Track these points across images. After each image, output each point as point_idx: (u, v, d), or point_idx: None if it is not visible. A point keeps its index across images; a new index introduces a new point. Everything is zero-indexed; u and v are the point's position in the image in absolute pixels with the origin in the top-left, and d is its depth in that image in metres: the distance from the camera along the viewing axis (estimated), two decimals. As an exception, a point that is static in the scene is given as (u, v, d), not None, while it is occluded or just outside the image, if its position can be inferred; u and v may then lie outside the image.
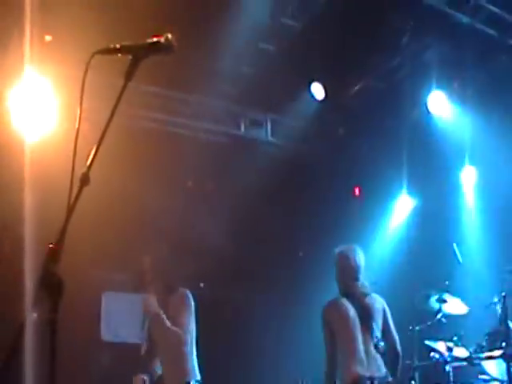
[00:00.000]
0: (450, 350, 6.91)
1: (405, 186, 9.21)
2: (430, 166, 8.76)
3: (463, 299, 7.24)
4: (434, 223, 8.80)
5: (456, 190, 8.89)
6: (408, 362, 7.17)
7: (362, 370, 6.00)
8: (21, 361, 6.26)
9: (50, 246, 2.46)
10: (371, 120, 8.66)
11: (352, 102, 8.70)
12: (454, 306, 7.23)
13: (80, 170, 2.52)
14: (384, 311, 6.29)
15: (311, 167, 8.66)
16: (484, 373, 6.91)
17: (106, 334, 7.81)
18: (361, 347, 6.09)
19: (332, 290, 8.30)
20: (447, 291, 7.21)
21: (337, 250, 6.32)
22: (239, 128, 8.55)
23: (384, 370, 6.09)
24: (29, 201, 6.52)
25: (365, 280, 6.30)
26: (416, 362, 7.20)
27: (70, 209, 2.52)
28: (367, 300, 6.21)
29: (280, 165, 8.31)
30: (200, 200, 8.23)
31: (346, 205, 8.91)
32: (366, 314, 6.17)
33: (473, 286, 7.65)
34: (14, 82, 6.65)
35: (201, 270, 8.63)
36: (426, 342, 7.15)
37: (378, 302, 6.29)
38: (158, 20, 5.87)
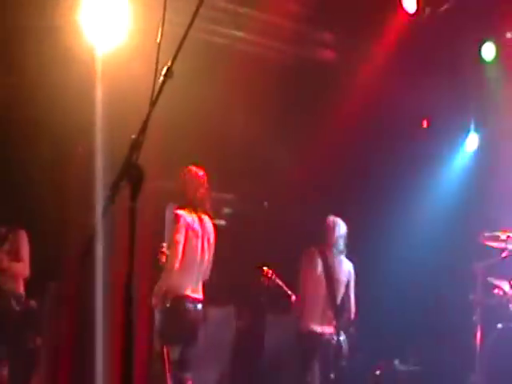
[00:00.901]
0: (514, 288, 6.84)
1: (473, 123, 9.02)
2: (499, 103, 8.56)
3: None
4: (502, 161, 8.62)
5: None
6: (471, 297, 7.14)
7: (315, 326, 6.96)
8: (92, 264, 6.48)
9: (132, 136, 2.50)
10: (442, 53, 8.42)
11: (422, 33, 8.44)
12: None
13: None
14: (348, 278, 7.15)
15: (379, 93, 8.47)
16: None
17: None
18: (319, 307, 7.01)
19: (396, 217, 8.27)
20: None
21: (328, 217, 7.14)
22: (308, 49, 8.41)
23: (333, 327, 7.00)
24: (100, 110, 6.58)
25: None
26: (478, 299, 7.12)
27: (153, 102, 2.59)
28: (337, 263, 7.11)
29: (347, 89, 8.16)
30: (268, 120, 8.16)
31: (413, 136, 8.76)
32: (331, 278, 7.05)
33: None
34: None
35: (266, 190, 8.66)
36: (489, 279, 7.07)
37: (346, 267, 7.15)
38: None
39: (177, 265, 5.99)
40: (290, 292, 7.14)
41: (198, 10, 2.58)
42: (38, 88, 6.67)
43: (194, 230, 6.17)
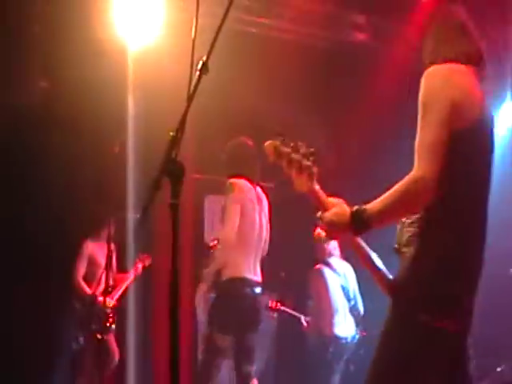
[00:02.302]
0: None
1: (510, 90, 8.83)
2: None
3: None
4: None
5: None
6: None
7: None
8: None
9: (171, 133, 2.52)
10: (476, 21, 8.28)
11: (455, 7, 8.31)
12: None
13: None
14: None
15: (415, 72, 8.38)
16: None
17: (210, 238, 7.95)
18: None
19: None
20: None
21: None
22: (342, 32, 8.36)
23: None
24: (132, 106, 6.64)
25: None
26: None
27: (190, 97, 2.60)
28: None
29: (383, 70, 8.10)
30: (302, 104, 8.13)
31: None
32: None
33: None
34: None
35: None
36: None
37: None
38: None
39: (233, 239, 5.31)
40: (298, 315, 7.58)
41: (230, 4, 2.59)
42: (72, 88, 6.71)
43: (251, 201, 5.51)
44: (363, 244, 3.06)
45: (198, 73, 2.59)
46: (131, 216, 6.97)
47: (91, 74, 6.61)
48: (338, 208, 2.87)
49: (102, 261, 7.04)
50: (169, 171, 2.49)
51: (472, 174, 2.88)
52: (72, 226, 7.04)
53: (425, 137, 2.82)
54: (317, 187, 2.94)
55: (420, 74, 3.04)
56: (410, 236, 2.87)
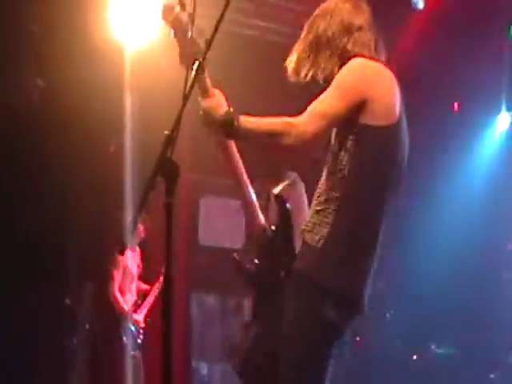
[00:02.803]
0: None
1: (504, 102, 8.86)
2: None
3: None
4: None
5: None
6: (505, 276, 7.13)
7: None
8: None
9: (166, 132, 2.52)
10: (471, 32, 8.31)
11: (452, 13, 8.34)
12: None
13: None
14: None
15: (409, 79, 8.38)
16: None
17: (205, 239, 7.95)
18: None
19: (426, 204, 8.20)
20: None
21: None
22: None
23: None
24: (129, 106, 6.63)
25: None
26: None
27: (186, 97, 2.60)
28: None
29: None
30: (297, 104, 8.10)
31: (443, 120, 8.65)
32: None
33: None
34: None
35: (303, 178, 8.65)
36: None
37: None
38: None
39: None
40: None
41: (227, 6, 2.60)
42: (68, 88, 6.70)
43: None
44: (237, 158, 3.17)
45: (193, 73, 2.61)
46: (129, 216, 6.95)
47: (88, 74, 6.60)
48: (216, 100, 2.87)
49: (134, 269, 6.94)
50: (164, 171, 2.49)
51: (381, 170, 2.91)
52: (67, 225, 7.03)
53: (326, 103, 2.88)
54: (205, 73, 2.88)
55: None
56: (316, 223, 2.89)
